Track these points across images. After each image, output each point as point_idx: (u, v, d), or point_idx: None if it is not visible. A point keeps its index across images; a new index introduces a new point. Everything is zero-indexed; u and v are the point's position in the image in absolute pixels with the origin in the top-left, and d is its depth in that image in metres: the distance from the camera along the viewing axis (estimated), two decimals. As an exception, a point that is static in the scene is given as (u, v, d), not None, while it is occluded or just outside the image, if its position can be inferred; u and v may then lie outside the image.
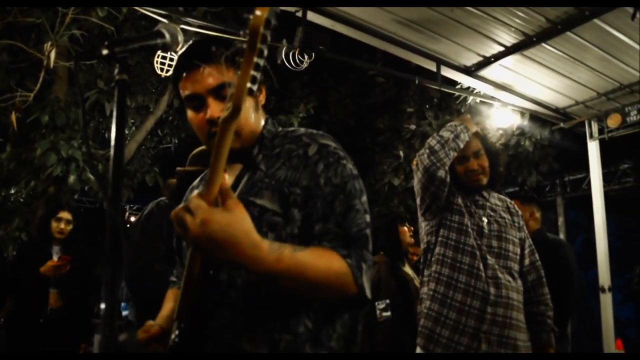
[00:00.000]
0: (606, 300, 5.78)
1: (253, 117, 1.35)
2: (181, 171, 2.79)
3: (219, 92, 1.28)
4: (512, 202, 2.84)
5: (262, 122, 1.40)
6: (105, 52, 0.98)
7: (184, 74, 1.32)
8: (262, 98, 1.41)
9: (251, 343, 1.18)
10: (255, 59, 0.90)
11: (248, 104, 1.32)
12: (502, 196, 2.83)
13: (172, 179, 2.86)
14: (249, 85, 0.92)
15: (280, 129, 1.43)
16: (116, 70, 0.96)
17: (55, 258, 3.69)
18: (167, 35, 1.10)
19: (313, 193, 1.23)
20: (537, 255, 2.73)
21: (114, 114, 0.89)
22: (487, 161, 2.69)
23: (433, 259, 2.56)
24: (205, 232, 0.96)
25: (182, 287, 1.15)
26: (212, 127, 1.28)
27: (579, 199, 9.24)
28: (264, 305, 1.18)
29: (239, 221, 0.99)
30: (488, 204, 2.68)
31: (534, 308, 2.59)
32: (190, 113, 1.35)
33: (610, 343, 5.68)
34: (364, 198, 1.28)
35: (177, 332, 1.20)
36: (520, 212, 2.80)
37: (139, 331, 1.33)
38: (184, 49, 1.34)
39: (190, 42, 1.37)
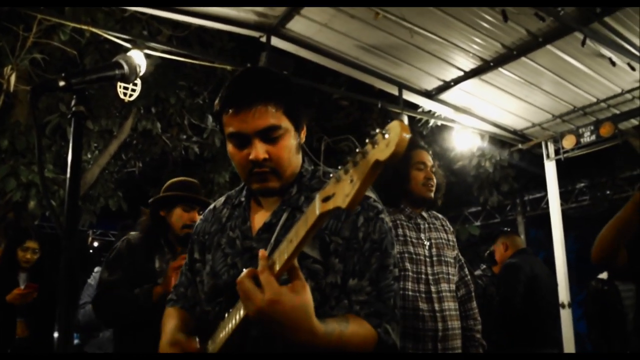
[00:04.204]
0: (566, 316, 5.91)
1: (295, 158, 1.35)
2: (152, 202, 2.79)
3: (266, 133, 1.27)
4: (444, 219, 2.84)
5: (300, 160, 1.41)
6: (62, 83, 0.99)
7: (231, 110, 1.28)
8: (303, 136, 1.40)
9: None
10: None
11: (292, 143, 1.32)
12: (436, 214, 2.83)
13: (144, 217, 2.86)
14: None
15: (312, 166, 1.44)
16: (73, 102, 0.97)
17: (22, 286, 3.60)
18: (126, 67, 1.12)
19: (352, 246, 1.27)
20: (466, 270, 2.76)
21: (70, 146, 0.91)
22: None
23: None
24: (271, 312, 1.01)
25: (225, 333, 1.21)
26: (255, 168, 1.29)
27: (538, 218, 9.50)
28: (298, 355, 1.20)
29: (303, 307, 1.03)
30: (427, 225, 2.67)
31: (463, 323, 2.60)
32: (231, 148, 1.33)
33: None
34: (395, 251, 1.33)
35: None
36: (452, 229, 2.81)
37: (166, 345, 1.34)
38: (233, 82, 1.32)
39: (241, 73, 1.34)
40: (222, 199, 1.58)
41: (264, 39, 4.61)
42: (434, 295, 2.46)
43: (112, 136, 7.27)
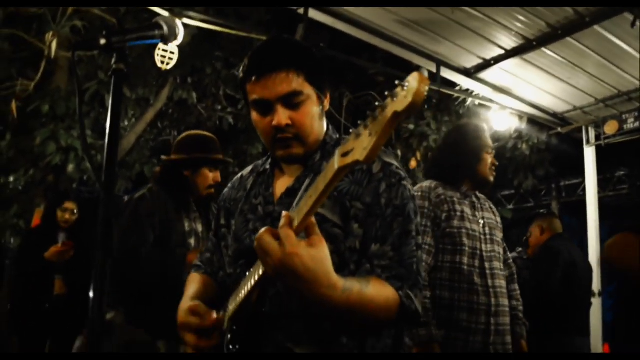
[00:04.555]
0: (596, 305, 5.81)
1: (318, 125, 1.36)
2: (166, 160, 2.79)
3: (288, 99, 1.29)
4: (490, 202, 2.90)
5: (325, 127, 1.42)
6: (103, 42, 1.00)
7: (254, 77, 1.30)
8: (326, 104, 1.41)
9: (300, 347, 1.25)
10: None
11: (315, 110, 1.33)
12: (484, 196, 2.88)
13: (158, 168, 2.86)
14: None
15: (338, 135, 1.46)
16: (113, 60, 0.98)
17: (60, 244, 3.73)
18: (165, 28, 1.12)
19: (374, 212, 1.27)
20: (508, 252, 2.82)
21: (110, 102, 0.92)
22: None
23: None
24: (290, 265, 1.00)
25: (243, 293, 1.20)
26: (278, 134, 1.31)
27: (573, 204, 9.29)
28: (317, 314, 1.20)
29: (322, 260, 1.02)
30: (480, 205, 2.72)
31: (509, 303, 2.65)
32: (255, 115, 1.35)
33: (598, 347, 5.72)
34: (419, 219, 1.33)
35: (229, 335, 1.27)
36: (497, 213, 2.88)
37: (184, 312, 1.33)
38: (256, 50, 1.33)
39: (264, 42, 1.35)
40: (250, 167, 1.61)
41: (301, 11, 4.56)
42: (488, 272, 2.51)
43: (148, 105, 7.38)
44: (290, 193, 1.36)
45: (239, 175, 1.61)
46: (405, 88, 0.81)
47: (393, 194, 1.28)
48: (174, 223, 2.59)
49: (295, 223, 1.02)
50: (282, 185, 1.40)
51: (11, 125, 6.67)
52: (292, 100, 1.29)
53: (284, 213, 1.05)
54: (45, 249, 3.68)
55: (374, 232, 1.26)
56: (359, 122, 0.90)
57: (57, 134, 5.94)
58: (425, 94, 0.80)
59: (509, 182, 8.88)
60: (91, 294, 0.80)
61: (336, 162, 0.93)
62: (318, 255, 1.02)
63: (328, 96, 1.41)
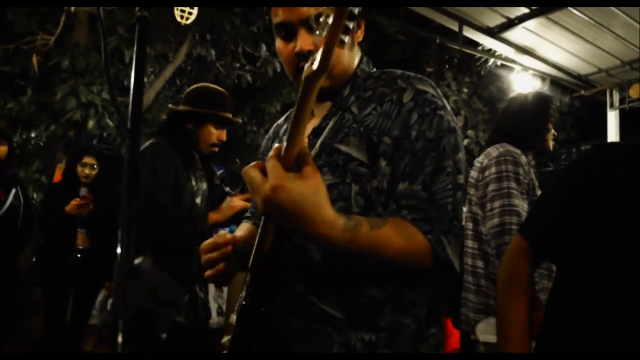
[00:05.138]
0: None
1: (347, 55, 1.22)
2: (171, 109, 2.68)
3: (312, 23, 1.16)
4: None
5: (357, 60, 1.28)
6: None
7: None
8: (359, 34, 1.28)
9: (324, 301, 1.11)
10: (349, 9, 0.77)
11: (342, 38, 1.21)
12: None
13: (164, 116, 2.78)
14: (341, 36, 0.80)
15: (374, 69, 1.31)
16: (137, 8, 0.98)
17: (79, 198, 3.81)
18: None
19: (402, 146, 1.11)
20: None
21: (135, 49, 0.92)
22: None
23: None
24: (275, 199, 0.89)
25: (257, 238, 1.08)
26: (301, 61, 1.18)
27: (594, 169, 9.16)
28: (341, 262, 1.09)
29: (312, 192, 0.90)
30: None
31: None
32: (279, 42, 1.24)
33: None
34: (460, 155, 1.15)
35: (246, 288, 1.17)
36: None
37: (206, 243, 1.24)
38: None
39: None
40: (285, 115, 1.52)
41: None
42: None
43: (167, 61, 7.35)
44: (317, 133, 1.22)
45: (275, 124, 1.52)
46: None
47: (425, 125, 1.12)
48: (184, 181, 2.48)
49: (282, 152, 0.91)
50: (311, 126, 1.25)
51: (32, 81, 6.72)
52: (317, 24, 1.12)
53: (275, 144, 0.95)
54: (67, 203, 3.74)
55: (402, 169, 1.10)
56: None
57: (77, 89, 5.97)
58: None
59: (528, 146, 8.79)
60: (119, 238, 0.81)
61: (303, 72, 0.86)
62: (307, 188, 0.89)
63: (362, 25, 1.28)
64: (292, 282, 1.14)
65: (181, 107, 2.62)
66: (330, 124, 1.20)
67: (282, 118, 1.52)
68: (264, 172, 0.92)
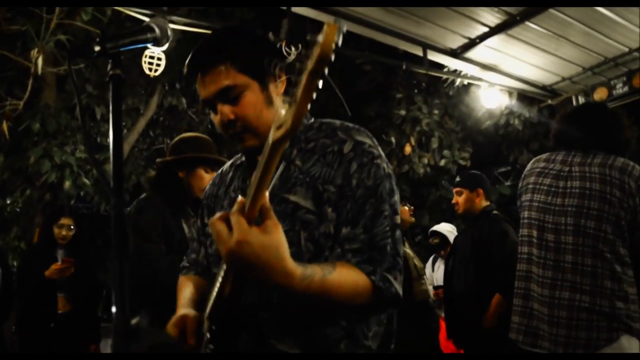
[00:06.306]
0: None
1: (266, 112, 1.29)
2: (160, 162, 2.73)
3: (224, 95, 1.26)
4: None
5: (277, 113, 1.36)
6: (97, 48, 1.00)
7: (193, 80, 1.32)
8: (281, 86, 1.33)
9: (282, 343, 1.19)
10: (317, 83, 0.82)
11: (257, 98, 1.27)
12: None
13: (152, 172, 2.82)
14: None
15: (312, 119, 1.39)
16: (109, 66, 0.99)
17: (59, 262, 3.72)
18: (157, 30, 1.12)
19: (345, 193, 1.22)
20: None
21: (111, 107, 0.92)
22: None
23: None
24: (240, 253, 0.96)
25: (216, 288, 1.15)
26: (229, 129, 1.29)
27: (571, 175, 9.30)
28: (297, 305, 1.18)
29: (274, 246, 0.98)
30: None
31: None
32: (211, 114, 1.35)
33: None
34: (395, 198, 1.26)
35: (208, 335, 1.21)
36: None
37: (169, 326, 1.32)
38: (188, 59, 1.32)
39: (195, 49, 1.33)
40: (229, 162, 1.57)
41: (284, 7, 4.56)
42: None
43: (139, 114, 7.37)
44: None
45: (220, 170, 1.58)
46: (314, 45, 0.78)
47: (364, 174, 1.22)
48: (173, 230, 2.50)
49: (246, 208, 0.98)
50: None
51: (3, 146, 6.65)
52: (228, 95, 1.26)
53: (238, 198, 1.00)
54: (44, 266, 3.63)
55: (345, 215, 1.21)
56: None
57: (50, 151, 5.93)
58: (334, 41, 0.77)
59: (504, 159, 8.90)
60: (113, 309, 0.80)
61: (270, 136, 0.91)
62: (270, 242, 0.97)
63: (282, 77, 1.32)
64: (251, 325, 1.22)
65: (169, 158, 2.66)
66: (277, 175, 1.28)
67: (227, 165, 1.56)
68: (228, 223, 0.99)
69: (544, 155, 2.57)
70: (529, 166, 2.60)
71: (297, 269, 1.03)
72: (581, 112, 2.59)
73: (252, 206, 0.97)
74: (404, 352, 3.57)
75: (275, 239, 0.98)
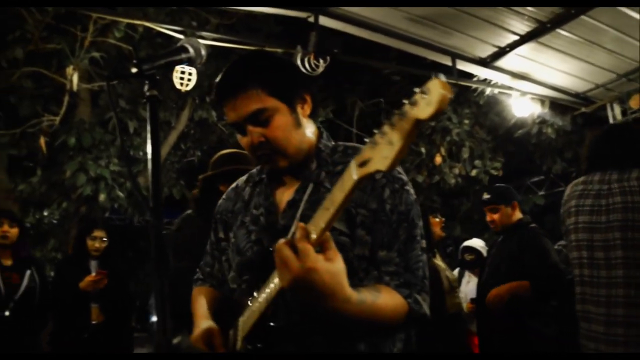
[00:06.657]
0: None
1: (296, 134, 1.35)
2: (202, 178, 2.75)
3: (254, 119, 1.30)
4: None
5: (311, 136, 1.40)
6: (134, 70, 1.03)
7: (222, 103, 1.35)
8: (307, 108, 1.39)
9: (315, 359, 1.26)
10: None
11: (287, 120, 1.32)
12: None
13: (195, 190, 2.86)
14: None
15: (333, 142, 1.45)
16: (146, 87, 1.01)
17: (93, 273, 3.79)
18: (191, 50, 1.15)
19: (379, 218, 1.29)
20: None
21: (148, 128, 0.95)
22: None
23: None
24: (308, 279, 1.00)
25: (258, 309, 1.20)
26: (257, 151, 1.33)
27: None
28: (328, 324, 1.22)
29: (338, 275, 1.03)
30: None
31: None
32: (238, 136, 1.38)
33: None
34: (420, 222, 1.35)
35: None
36: None
37: (195, 338, 1.36)
38: (218, 79, 1.35)
39: (226, 67, 1.37)
40: (244, 177, 1.59)
41: (311, 19, 4.60)
42: None
43: (170, 127, 7.49)
44: (292, 204, 1.35)
45: (234, 185, 1.60)
46: (426, 96, 0.82)
47: (397, 200, 1.31)
48: None
49: (313, 236, 1.02)
50: (282, 195, 1.40)
51: (40, 161, 6.85)
52: (259, 118, 1.29)
53: (300, 224, 1.04)
54: (78, 278, 3.71)
55: (380, 239, 1.28)
56: (375, 130, 0.91)
57: (85, 165, 6.07)
58: (448, 100, 0.82)
59: (537, 168, 8.76)
60: (154, 319, 0.82)
61: (354, 172, 0.94)
62: (335, 270, 1.02)
63: (308, 100, 1.39)
64: (288, 345, 1.26)
65: (210, 172, 2.72)
66: (306, 197, 1.33)
67: (242, 180, 1.59)
68: (293, 248, 1.02)
69: (580, 179, 2.58)
70: (567, 191, 2.60)
71: (353, 295, 1.08)
72: (610, 133, 2.62)
73: (320, 236, 1.01)
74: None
75: (339, 267, 1.03)
